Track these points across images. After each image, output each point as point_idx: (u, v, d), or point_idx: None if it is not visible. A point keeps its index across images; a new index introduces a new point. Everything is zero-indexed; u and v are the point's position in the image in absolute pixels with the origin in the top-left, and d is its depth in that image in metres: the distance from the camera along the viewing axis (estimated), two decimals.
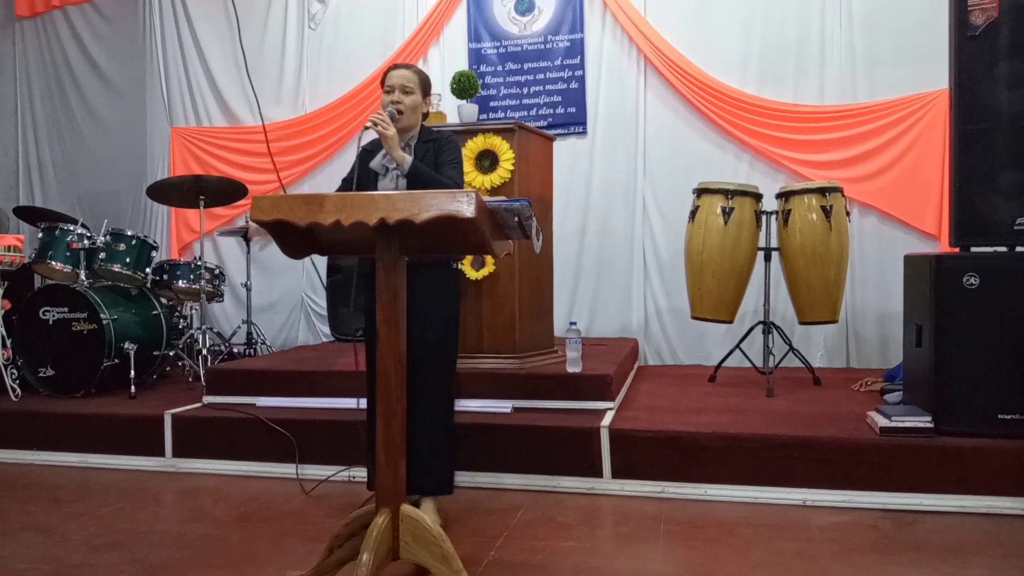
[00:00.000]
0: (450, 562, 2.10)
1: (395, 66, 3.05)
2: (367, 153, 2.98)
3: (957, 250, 3.32)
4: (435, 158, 2.94)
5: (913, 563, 2.53)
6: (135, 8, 6.32)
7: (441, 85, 5.35)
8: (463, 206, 1.98)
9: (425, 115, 3.07)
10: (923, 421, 3.13)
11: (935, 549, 2.63)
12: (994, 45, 3.21)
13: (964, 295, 3.14)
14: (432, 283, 2.91)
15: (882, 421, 3.17)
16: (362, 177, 2.93)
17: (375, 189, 2.90)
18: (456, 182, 2.89)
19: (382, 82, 3.01)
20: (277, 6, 6.04)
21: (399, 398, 2.18)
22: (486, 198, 2.16)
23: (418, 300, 2.83)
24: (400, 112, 2.91)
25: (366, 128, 2.81)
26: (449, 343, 2.97)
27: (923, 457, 3.03)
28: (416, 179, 2.82)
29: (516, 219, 2.22)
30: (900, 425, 3.12)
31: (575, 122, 5.50)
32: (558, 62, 5.53)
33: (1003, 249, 3.24)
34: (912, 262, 3.52)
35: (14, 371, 4.44)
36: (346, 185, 3.02)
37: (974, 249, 3.27)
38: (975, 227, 3.26)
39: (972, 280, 3.13)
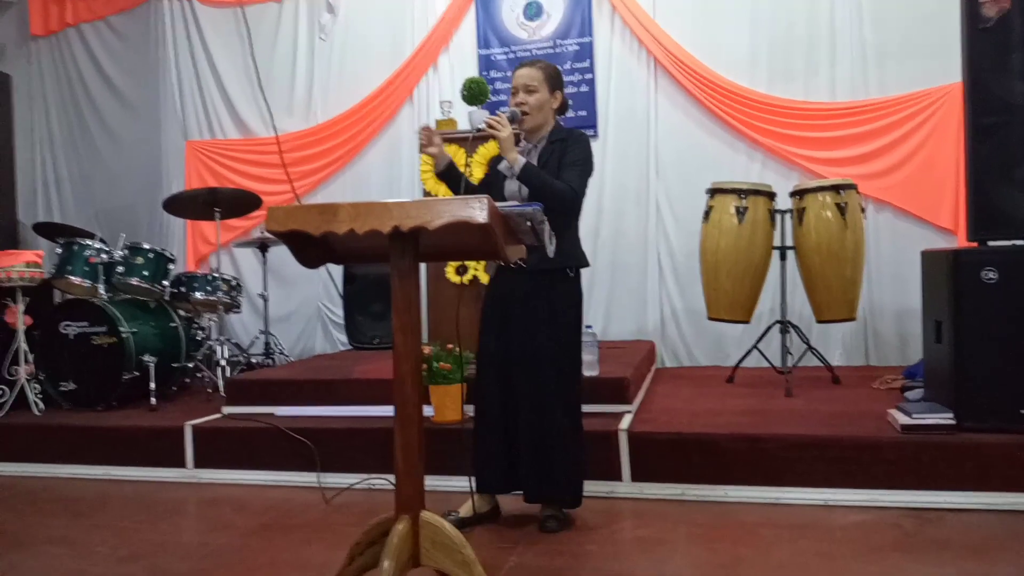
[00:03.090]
0: (471, 568, 2.09)
1: (520, 65, 2.95)
2: (499, 157, 2.93)
3: (974, 244, 3.29)
4: (560, 158, 2.85)
5: (937, 562, 2.51)
6: (147, 24, 6.39)
7: (451, 92, 5.38)
8: (476, 212, 1.98)
9: (560, 108, 2.97)
10: (944, 418, 3.10)
11: (959, 547, 2.61)
12: (1007, 37, 3.18)
13: (983, 290, 3.11)
14: (546, 290, 2.84)
15: (903, 419, 3.14)
16: (491, 179, 2.94)
17: (502, 191, 2.87)
18: (571, 185, 2.78)
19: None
20: (287, 18, 6.08)
21: (416, 405, 2.18)
22: (499, 204, 2.17)
23: (533, 307, 2.84)
24: (525, 113, 2.85)
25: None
26: (565, 350, 2.88)
27: (945, 454, 3.01)
28: (527, 182, 2.75)
29: (529, 224, 2.22)
30: (921, 422, 3.10)
31: (586, 125, 5.48)
32: (568, 66, 5.53)
33: (1021, 242, 3.21)
34: (929, 257, 3.50)
35: (36, 386, 4.48)
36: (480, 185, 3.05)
37: (991, 243, 3.24)
38: (992, 221, 3.23)
39: (990, 274, 3.10)
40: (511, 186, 2.86)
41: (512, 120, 2.82)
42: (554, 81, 2.92)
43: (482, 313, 3.00)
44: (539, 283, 2.84)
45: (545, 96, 2.89)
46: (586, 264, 2.96)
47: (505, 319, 2.90)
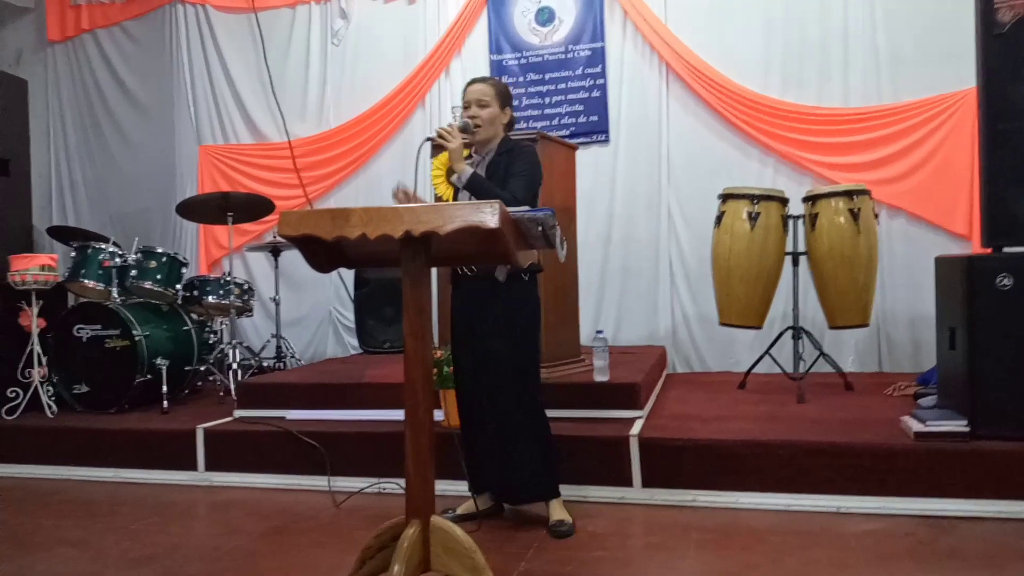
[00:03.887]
0: (481, 573, 2.09)
1: (472, 81, 3.08)
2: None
3: (989, 251, 3.26)
4: (506, 169, 2.94)
5: (950, 570, 2.48)
6: (162, 30, 6.44)
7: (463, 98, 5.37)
8: (487, 217, 1.99)
9: (509, 125, 3.08)
10: (958, 425, 3.08)
11: (973, 556, 2.58)
12: (1021, 43, 3.15)
13: (997, 296, 3.08)
14: (502, 294, 2.92)
15: (916, 426, 3.12)
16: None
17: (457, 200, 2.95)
18: (515, 195, 2.83)
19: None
20: (300, 24, 6.12)
21: (427, 409, 2.18)
22: (510, 208, 2.17)
23: (490, 312, 2.92)
24: (477, 126, 2.96)
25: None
26: (523, 351, 2.95)
27: (959, 462, 2.98)
28: (474, 191, 2.85)
29: (540, 228, 2.22)
30: (935, 430, 3.07)
31: (597, 130, 5.50)
32: (579, 71, 5.53)
33: None
34: (943, 264, 3.47)
35: (50, 388, 4.52)
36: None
37: (1006, 249, 3.21)
38: (1007, 227, 3.20)
39: (1005, 281, 3.08)
40: (462, 196, 2.94)
41: (463, 130, 2.94)
42: (504, 98, 3.05)
43: (451, 322, 3.11)
44: (495, 288, 2.92)
45: (496, 111, 3.00)
46: (539, 269, 3.04)
47: (469, 326, 3.01)
